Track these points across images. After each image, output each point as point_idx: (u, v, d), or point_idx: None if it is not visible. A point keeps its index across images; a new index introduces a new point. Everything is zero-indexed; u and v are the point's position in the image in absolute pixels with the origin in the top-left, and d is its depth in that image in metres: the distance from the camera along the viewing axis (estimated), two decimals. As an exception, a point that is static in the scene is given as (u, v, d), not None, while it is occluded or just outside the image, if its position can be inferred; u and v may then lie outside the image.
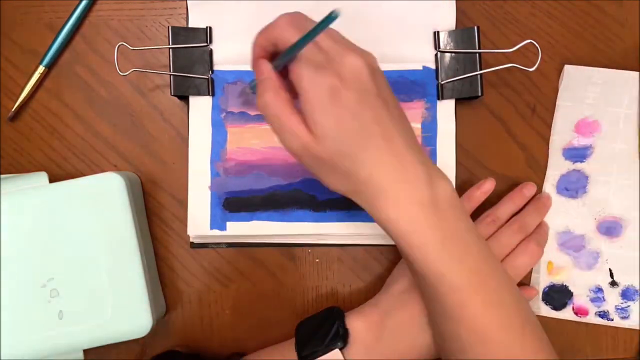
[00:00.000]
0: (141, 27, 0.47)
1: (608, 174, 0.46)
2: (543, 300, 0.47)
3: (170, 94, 0.45)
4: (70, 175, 0.45)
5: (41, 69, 0.46)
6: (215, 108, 0.45)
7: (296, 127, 0.33)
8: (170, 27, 0.45)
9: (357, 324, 0.41)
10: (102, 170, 0.46)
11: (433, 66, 0.45)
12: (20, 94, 0.46)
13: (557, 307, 0.47)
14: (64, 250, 0.41)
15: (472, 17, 0.47)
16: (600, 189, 0.46)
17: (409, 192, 0.33)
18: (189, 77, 0.45)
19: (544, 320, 0.47)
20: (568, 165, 0.47)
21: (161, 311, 0.45)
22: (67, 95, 0.47)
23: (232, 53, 0.45)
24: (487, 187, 0.45)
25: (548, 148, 0.47)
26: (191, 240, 0.47)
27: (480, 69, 0.44)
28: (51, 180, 0.44)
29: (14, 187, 0.43)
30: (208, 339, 0.47)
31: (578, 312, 0.47)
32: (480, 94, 0.44)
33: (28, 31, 0.47)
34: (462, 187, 0.46)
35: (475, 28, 0.45)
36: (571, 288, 0.47)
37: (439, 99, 0.45)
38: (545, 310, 0.47)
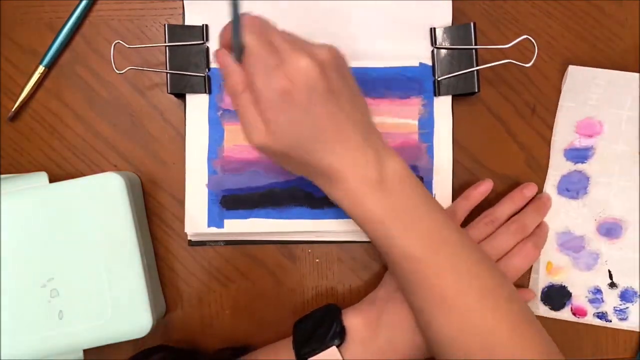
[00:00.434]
0: (141, 27, 0.47)
1: (609, 175, 0.46)
2: (542, 300, 0.47)
3: (167, 92, 0.45)
4: (70, 175, 0.45)
5: (41, 69, 0.46)
6: (212, 106, 0.45)
7: (254, 122, 0.35)
8: (166, 25, 0.45)
9: (354, 320, 0.41)
10: (102, 170, 0.46)
11: (429, 63, 0.45)
12: (20, 94, 0.46)
13: (556, 307, 0.47)
14: (64, 250, 0.41)
15: (472, 17, 0.47)
16: (601, 190, 0.46)
17: (357, 174, 0.36)
18: (186, 75, 0.45)
19: (542, 321, 0.47)
20: (569, 166, 0.47)
21: (161, 311, 0.45)
22: (67, 95, 0.47)
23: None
24: (484, 188, 0.45)
25: (548, 148, 0.47)
26: (189, 238, 0.47)
27: (477, 65, 0.44)
28: (51, 180, 0.44)
29: (14, 187, 0.43)
30: (208, 339, 0.47)
31: (576, 312, 0.47)
32: (476, 90, 0.44)
33: (28, 31, 0.47)
34: (461, 185, 0.46)
35: (472, 24, 0.45)
36: (570, 288, 0.47)
37: (435, 95, 0.45)
38: (544, 311, 0.47)
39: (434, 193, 0.45)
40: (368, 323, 0.41)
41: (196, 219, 0.45)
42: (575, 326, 0.47)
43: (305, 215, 0.45)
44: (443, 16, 0.45)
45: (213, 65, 0.45)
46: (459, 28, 0.45)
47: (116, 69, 0.43)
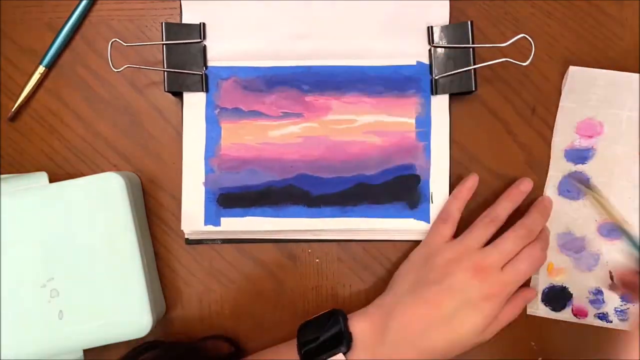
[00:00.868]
0: (141, 27, 0.47)
1: (609, 176, 0.46)
2: (542, 301, 0.47)
3: (164, 91, 0.45)
4: (70, 175, 0.45)
5: (41, 69, 0.46)
6: (209, 104, 0.45)
7: None
8: (163, 24, 0.44)
9: (360, 325, 0.41)
10: (102, 170, 0.46)
11: (427, 61, 0.45)
12: (20, 94, 0.46)
13: (557, 308, 0.47)
14: (64, 250, 0.41)
15: (472, 16, 0.46)
16: (601, 190, 0.46)
17: None
18: (183, 73, 0.45)
19: (543, 322, 0.47)
20: (570, 167, 0.47)
21: (161, 311, 0.45)
22: (67, 95, 0.47)
23: (225, 49, 0.45)
24: (470, 183, 0.45)
25: (548, 148, 0.47)
26: (186, 236, 0.47)
27: (474, 64, 0.44)
28: (51, 180, 0.44)
29: (14, 187, 0.43)
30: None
31: (577, 313, 0.47)
32: (473, 89, 0.44)
33: (28, 31, 0.47)
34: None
35: (469, 23, 0.44)
36: (571, 289, 0.46)
37: (432, 94, 0.45)
38: (545, 311, 0.47)
39: (431, 192, 0.45)
40: (374, 328, 0.41)
41: (193, 217, 0.45)
42: (576, 327, 0.47)
43: (302, 213, 0.45)
44: (440, 15, 0.45)
45: (210, 63, 0.45)
46: (457, 27, 0.45)
47: (113, 67, 0.43)
